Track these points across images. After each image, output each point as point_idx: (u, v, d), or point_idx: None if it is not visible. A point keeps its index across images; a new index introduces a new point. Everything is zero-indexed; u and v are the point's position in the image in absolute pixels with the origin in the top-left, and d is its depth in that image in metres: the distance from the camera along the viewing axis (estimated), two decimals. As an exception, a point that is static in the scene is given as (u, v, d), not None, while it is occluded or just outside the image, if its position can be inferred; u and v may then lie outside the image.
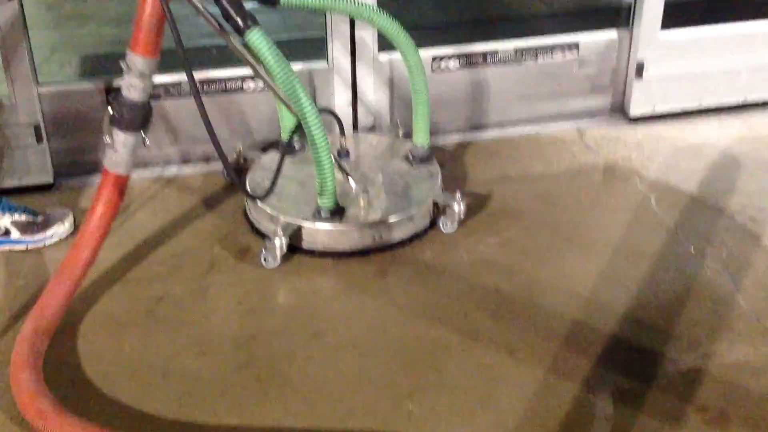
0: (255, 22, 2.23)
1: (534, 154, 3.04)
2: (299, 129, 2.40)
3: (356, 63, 2.98)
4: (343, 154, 2.76)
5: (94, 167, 2.90)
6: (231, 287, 2.37)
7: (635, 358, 2.09)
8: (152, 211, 2.74)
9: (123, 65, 2.20)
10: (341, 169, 2.57)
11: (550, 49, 3.14)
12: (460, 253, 2.50)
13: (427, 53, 3.03)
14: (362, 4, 2.50)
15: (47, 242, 2.52)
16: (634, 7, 3.12)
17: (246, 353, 2.13)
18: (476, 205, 2.72)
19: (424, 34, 3.45)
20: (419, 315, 2.25)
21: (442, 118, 3.14)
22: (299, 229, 2.49)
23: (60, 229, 2.54)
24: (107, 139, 2.25)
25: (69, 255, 2.28)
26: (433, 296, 2.32)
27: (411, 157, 2.79)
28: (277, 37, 3.37)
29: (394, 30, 2.55)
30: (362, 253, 2.50)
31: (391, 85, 3.06)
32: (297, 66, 2.96)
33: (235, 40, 2.28)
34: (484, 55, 3.10)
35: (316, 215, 2.50)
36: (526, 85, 3.19)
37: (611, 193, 2.79)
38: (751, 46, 3.23)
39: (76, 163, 2.90)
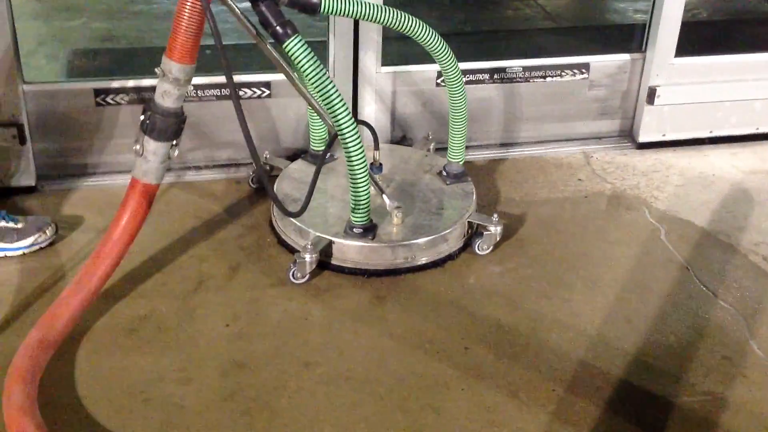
0: (294, 31, 2.16)
1: (539, 177, 2.93)
2: (333, 140, 2.33)
3: (358, 74, 2.86)
4: (376, 167, 2.61)
5: (81, 171, 2.77)
6: (220, 307, 2.24)
7: (645, 406, 1.98)
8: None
9: (158, 71, 2.11)
10: (375, 184, 2.47)
11: (560, 69, 3.04)
12: (460, 281, 2.39)
13: (432, 67, 2.93)
14: (405, 16, 2.39)
15: (26, 251, 2.38)
16: (648, 31, 3.03)
17: (233, 382, 2.00)
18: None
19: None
20: (417, 347, 2.13)
21: (445, 134, 3.02)
22: (330, 244, 2.39)
23: (40, 238, 2.40)
24: (137, 146, 2.16)
25: (87, 265, 2.16)
26: (432, 327, 2.20)
27: (445, 174, 2.69)
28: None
29: (436, 44, 2.45)
30: (394, 272, 2.40)
31: (393, 98, 2.95)
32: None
33: (270, 47, 2.22)
34: (491, 72, 2.99)
35: (348, 231, 2.40)
36: (533, 105, 3.08)
37: (619, 224, 2.68)
38: (765, 77, 3.14)
39: (60, 166, 2.76)
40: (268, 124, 2.87)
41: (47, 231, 2.42)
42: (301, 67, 2.19)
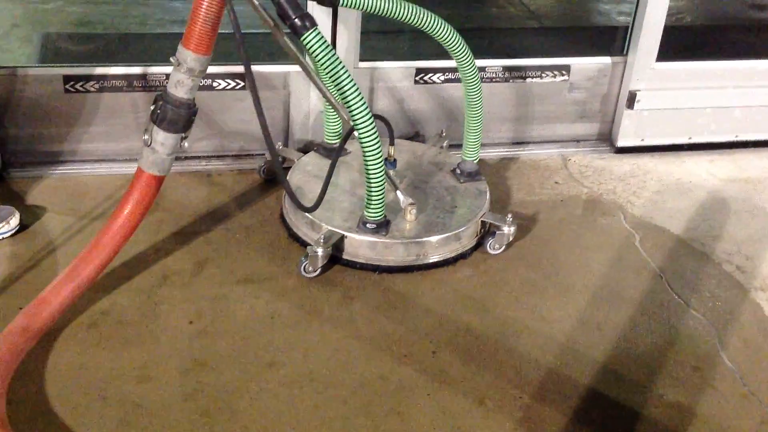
0: (313, 24, 2.14)
1: (515, 179, 2.90)
2: (349, 135, 2.31)
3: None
4: (390, 163, 2.58)
5: (48, 159, 2.71)
6: (184, 304, 2.19)
7: (612, 416, 1.95)
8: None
9: (173, 60, 2.08)
10: (389, 179, 2.43)
11: (540, 70, 3.00)
12: (430, 283, 2.35)
13: (411, 64, 2.89)
14: (424, 12, 2.37)
15: None
16: (631, 35, 3.00)
17: (194, 381, 1.96)
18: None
19: (410, 42, 3.31)
20: (384, 350, 2.09)
21: (423, 131, 2.99)
22: (342, 239, 2.36)
23: (3, 229, 2.34)
24: (146, 136, 2.11)
25: (84, 253, 2.11)
26: (400, 329, 2.17)
27: (458, 172, 2.66)
28: (255, 32, 3.22)
29: (453, 41, 2.43)
30: (405, 269, 2.37)
31: (372, 94, 2.90)
32: (272, 68, 2.79)
33: (287, 39, 2.19)
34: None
35: (361, 226, 2.35)
36: (511, 106, 3.04)
37: (594, 229, 2.65)
38: (746, 84, 3.12)
39: (27, 153, 2.70)
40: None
41: (10, 221, 2.36)
42: (319, 60, 2.16)
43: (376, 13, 2.32)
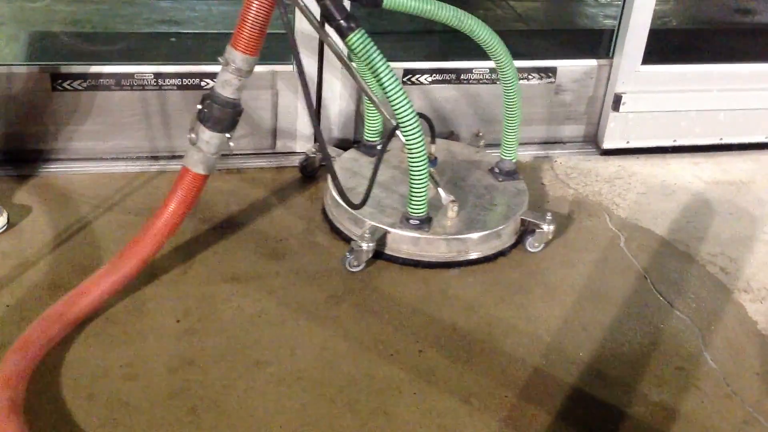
0: (358, 24, 2.19)
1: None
2: (392, 133, 2.35)
3: (323, 69, 2.82)
4: (430, 161, 2.59)
5: (35, 157, 2.70)
6: (171, 302, 2.19)
7: (596, 415, 1.97)
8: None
9: (221, 60, 2.12)
10: (431, 177, 2.46)
11: (526, 72, 3.02)
12: (417, 282, 2.36)
13: (399, 65, 2.90)
14: (464, 14, 2.41)
15: None
16: (616, 38, 3.02)
17: (181, 379, 1.96)
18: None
19: (398, 44, 3.32)
20: (371, 349, 2.10)
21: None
22: (385, 234, 2.40)
23: None
24: (192, 135, 2.16)
25: (127, 248, 2.15)
26: (387, 329, 2.18)
27: (497, 171, 2.71)
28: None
29: (493, 42, 2.47)
30: (446, 265, 2.43)
31: (359, 95, 2.91)
32: (259, 67, 2.79)
33: (332, 40, 2.28)
34: (458, 73, 2.97)
35: (404, 222, 2.40)
36: (498, 107, 3.05)
37: (579, 230, 2.67)
38: (730, 88, 3.15)
39: (14, 152, 2.69)
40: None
41: None
42: (366, 60, 2.20)
43: (416, 14, 2.37)
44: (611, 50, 3.05)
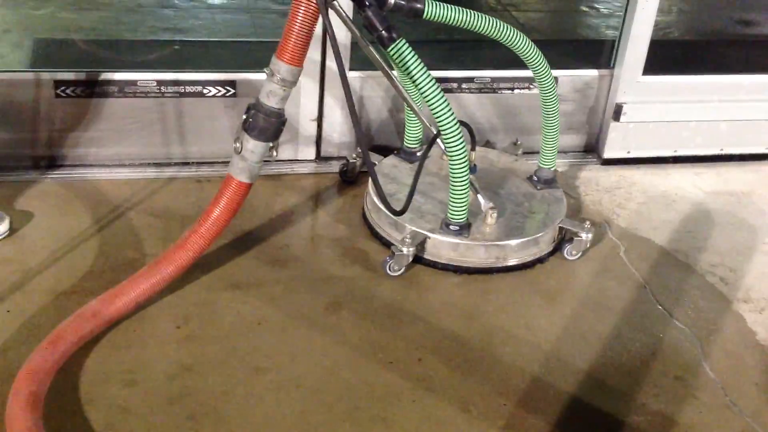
0: (399, 35, 2.23)
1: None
2: (433, 141, 2.41)
3: (325, 78, 2.83)
4: (470, 168, 2.60)
5: (38, 164, 2.72)
6: (171, 309, 2.20)
7: (594, 424, 1.97)
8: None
9: (266, 71, 2.17)
10: (471, 184, 2.48)
11: (528, 81, 3.03)
12: (418, 291, 2.37)
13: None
14: (501, 24, 2.44)
15: None
16: (617, 48, 3.03)
17: (180, 385, 1.96)
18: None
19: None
20: (370, 356, 2.11)
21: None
22: (424, 240, 2.44)
23: None
24: (237, 144, 2.21)
25: (168, 252, 2.19)
26: (387, 337, 2.18)
27: (535, 179, 2.75)
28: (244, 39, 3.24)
29: (531, 52, 2.51)
30: (485, 271, 2.47)
31: (361, 103, 2.92)
32: (261, 75, 2.80)
33: (373, 49, 2.33)
34: (459, 81, 2.98)
35: (444, 228, 2.43)
36: (500, 116, 3.07)
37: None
38: (731, 99, 3.16)
39: (17, 158, 2.70)
40: (231, 123, 2.83)
41: (0, 226, 2.36)
42: (407, 69, 2.25)
43: (457, 25, 2.40)
44: (612, 60, 3.07)
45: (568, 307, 2.36)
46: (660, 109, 3.10)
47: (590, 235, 2.54)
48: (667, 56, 3.61)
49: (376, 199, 2.53)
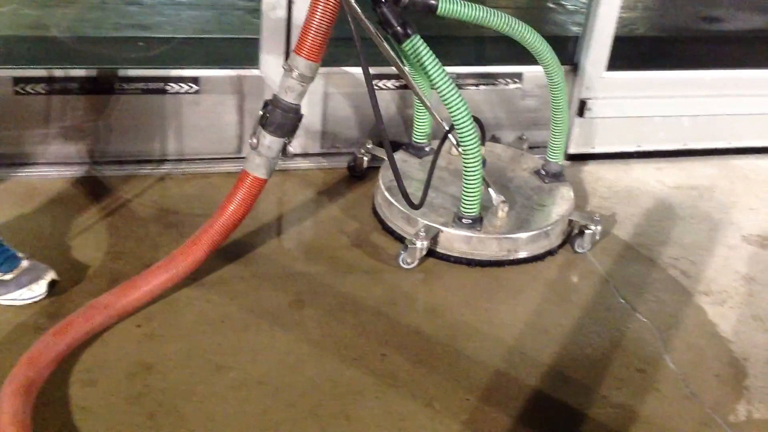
0: (414, 31, 2.26)
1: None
2: (446, 136, 2.46)
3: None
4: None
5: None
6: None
7: (556, 417, 1.98)
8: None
9: (284, 66, 2.19)
10: (483, 179, 2.50)
11: (493, 77, 3.04)
12: (381, 287, 2.36)
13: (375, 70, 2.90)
14: (512, 20, 2.48)
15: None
16: (582, 44, 3.04)
17: (140, 384, 1.94)
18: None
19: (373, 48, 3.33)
20: (334, 353, 2.10)
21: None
22: (437, 233, 2.47)
23: (28, 294, 2.14)
24: (253, 140, 2.23)
25: (183, 247, 2.20)
26: (351, 333, 2.17)
27: (543, 173, 2.78)
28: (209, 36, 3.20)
29: (543, 49, 2.55)
30: (497, 264, 2.50)
31: (325, 100, 2.91)
32: (225, 72, 2.79)
33: (387, 45, 2.34)
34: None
35: (457, 221, 2.46)
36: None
37: (544, 234, 2.69)
38: (693, 94, 3.19)
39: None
40: (194, 120, 2.81)
41: (40, 282, 2.15)
42: (423, 65, 2.28)
43: (471, 21, 2.43)
44: (576, 57, 3.08)
45: (531, 301, 2.37)
46: (623, 104, 3.12)
47: (600, 227, 2.58)
48: (632, 52, 3.63)
49: (387, 194, 2.58)
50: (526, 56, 3.07)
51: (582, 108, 3.07)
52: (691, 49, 4.00)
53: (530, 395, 2.03)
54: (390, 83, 2.95)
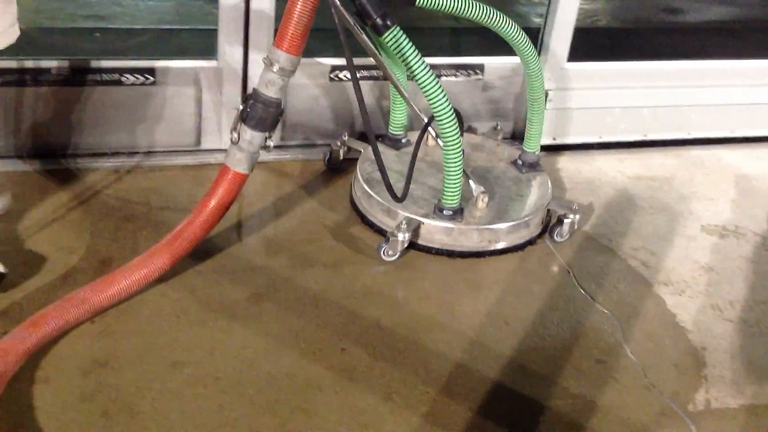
0: (393, 22, 2.24)
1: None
2: (426, 127, 2.47)
3: (248, 65, 2.78)
4: None
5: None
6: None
7: (516, 409, 1.98)
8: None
9: (264, 60, 2.18)
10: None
11: (454, 68, 3.02)
12: (341, 280, 2.34)
13: (327, 61, 2.88)
14: (492, 11, 2.47)
15: None
16: (542, 36, 3.04)
17: (93, 382, 1.90)
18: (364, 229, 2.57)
19: (324, 39, 3.30)
20: (293, 348, 2.08)
21: (336, 127, 2.98)
22: (418, 225, 2.46)
23: None
24: (234, 135, 2.22)
25: (162, 244, 2.18)
26: (310, 327, 2.15)
27: (520, 163, 2.79)
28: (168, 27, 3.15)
29: (519, 39, 2.55)
30: (478, 254, 2.49)
31: (284, 91, 2.86)
32: (182, 63, 2.75)
33: (365, 37, 2.35)
34: (369, 68, 2.94)
35: (438, 213, 2.45)
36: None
37: (505, 225, 2.69)
38: (653, 85, 3.20)
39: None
40: (151, 113, 2.76)
41: None
42: (403, 56, 2.27)
43: (450, 12, 2.42)
44: (538, 48, 3.07)
45: (492, 293, 2.36)
46: (585, 95, 3.12)
47: (578, 216, 2.59)
48: (594, 43, 3.64)
49: (365, 186, 2.57)
50: (488, 48, 3.08)
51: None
52: (652, 40, 4.01)
53: (490, 387, 2.02)
54: (365, 73, 2.92)
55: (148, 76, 2.70)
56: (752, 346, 2.26)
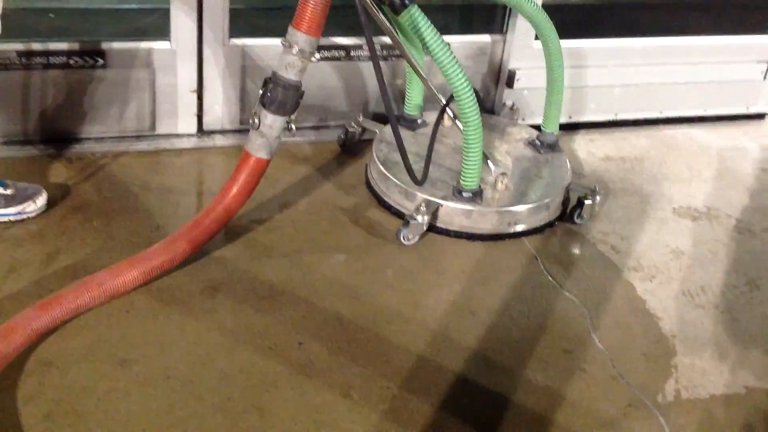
0: (411, 1, 2.20)
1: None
2: (444, 109, 2.45)
3: (203, 46, 2.67)
4: None
5: None
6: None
7: (480, 403, 1.90)
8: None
9: (283, 43, 2.11)
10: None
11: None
12: (300, 270, 2.25)
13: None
14: None
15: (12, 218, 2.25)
16: (509, 14, 2.95)
17: (36, 382, 1.81)
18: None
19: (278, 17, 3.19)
20: (248, 343, 1.99)
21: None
22: (437, 208, 2.41)
23: (29, 207, 2.27)
24: (254, 120, 2.16)
25: (184, 229, 2.15)
26: (266, 321, 2.06)
27: (539, 143, 2.73)
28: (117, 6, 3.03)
29: (540, 18, 2.51)
30: (497, 237, 2.45)
31: (243, 73, 2.77)
32: (135, 44, 2.63)
33: (381, 16, 2.28)
34: (347, 50, 2.85)
35: (457, 195, 2.40)
36: (389, 84, 2.96)
37: (472, 210, 2.60)
38: (625, 63, 3.12)
39: None
40: (102, 97, 2.65)
41: (37, 200, 2.27)
42: (421, 35, 2.23)
43: None
44: (505, 26, 2.98)
45: (457, 282, 2.28)
46: (554, 74, 3.03)
47: (599, 198, 2.53)
48: (564, 21, 3.55)
49: (382, 168, 2.51)
50: (449, 26, 2.99)
51: (511, 79, 2.98)
52: (622, 16, 3.93)
53: (453, 381, 1.95)
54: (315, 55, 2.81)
55: (98, 59, 2.58)
56: (724, 333, 2.20)
